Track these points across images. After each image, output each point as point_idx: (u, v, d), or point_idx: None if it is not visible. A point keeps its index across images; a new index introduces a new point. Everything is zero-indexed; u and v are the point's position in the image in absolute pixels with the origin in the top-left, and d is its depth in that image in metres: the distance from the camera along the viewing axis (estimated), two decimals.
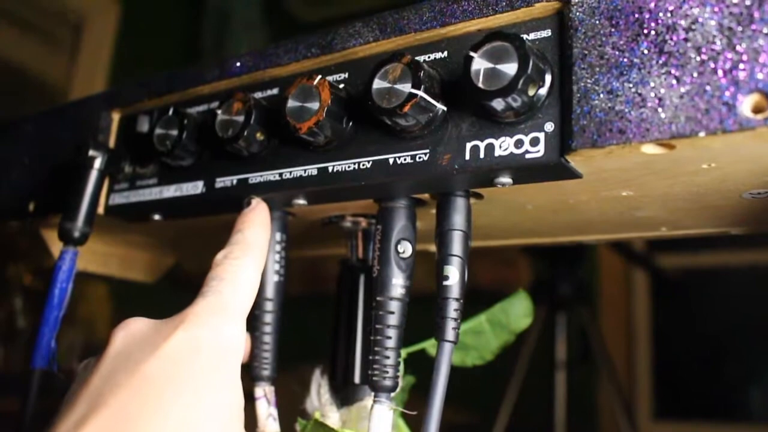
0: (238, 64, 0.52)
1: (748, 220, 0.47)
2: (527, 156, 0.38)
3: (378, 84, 0.41)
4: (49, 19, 2.58)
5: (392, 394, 0.45)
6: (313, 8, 3.00)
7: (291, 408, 0.54)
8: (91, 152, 0.55)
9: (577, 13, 0.37)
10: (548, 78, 0.38)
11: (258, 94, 0.51)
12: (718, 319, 2.76)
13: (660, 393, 2.73)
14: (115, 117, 0.61)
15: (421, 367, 0.55)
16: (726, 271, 2.78)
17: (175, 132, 0.51)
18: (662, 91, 0.34)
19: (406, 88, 0.40)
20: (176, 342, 0.38)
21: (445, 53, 0.43)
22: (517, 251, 2.17)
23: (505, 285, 2.55)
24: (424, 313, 0.51)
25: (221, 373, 0.38)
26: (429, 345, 0.56)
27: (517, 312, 0.56)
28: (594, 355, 2.04)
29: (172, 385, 0.36)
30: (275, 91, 0.50)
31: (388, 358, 0.44)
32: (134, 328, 0.40)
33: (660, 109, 0.34)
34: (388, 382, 0.44)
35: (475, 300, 0.58)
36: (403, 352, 0.55)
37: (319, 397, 0.54)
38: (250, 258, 0.45)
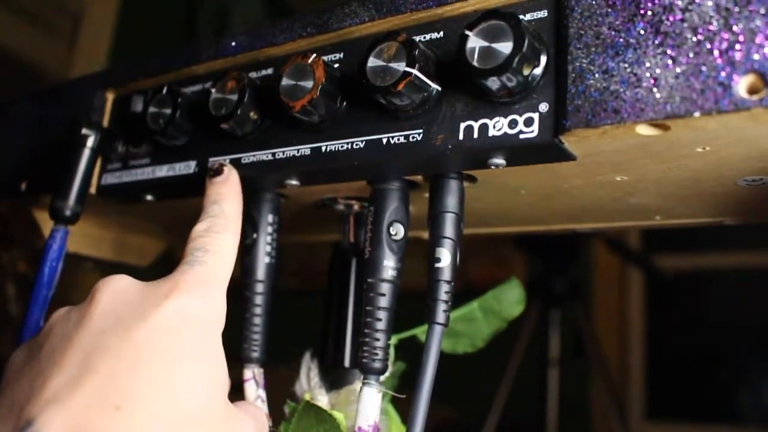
0: (234, 43, 0.51)
1: (742, 209, 0.47)
2: (521, 136, 0.38)
3: (373, 62, 0.41)
4: (48, 8, 2.57)
5: (382, 378, 0.45)
6: (312, 2, 3.00)
7: (280, 391, 0.54)
8: (84, 131, 0.55)
9: None
10: (543, 58, 0.38)
11: (253, 74, 0.50)
12: (711, 320, 2.77)
13: (653, 393, 2.74)
14: (110, 97, 0.60)
15: (412, 355, 0.54)
16: (720, 273, 2.78)
17: (168, 110, 0.51)
18: (658, 71, 0.34)
19: (401, 66, 0.40)
20: (167, 310, 0.38)
21: (441, 33, 0.43)
22: (512, 248, 2.17)
23: (499, 283, 2.55)
24: (419, 308, 0.50)
25: (209, 343, 0.39)
26: (420, 331, 0.56)
27: (510, 299, 0.56)
28: (587, 354, 2.04)
29: (162, 353, 0.36)
30: (270, 71, 0.50)
31: (378, 340, 0.44)
32: (120, 286, 0.40)
33: (655, 89, 0.34)
34: (377, 365, 0.44)
35: (469, 298, 0.58)
36: (394, 339, 0.55)
37: (309, 380, 0.53)
38: (231, 233, 0.45)
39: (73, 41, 2.63)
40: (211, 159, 0.51)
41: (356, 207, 0.55)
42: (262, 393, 0.51)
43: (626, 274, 2.79)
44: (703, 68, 0.33)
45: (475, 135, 0.39)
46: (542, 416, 2.00)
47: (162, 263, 0.83)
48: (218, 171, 0.48)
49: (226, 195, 0.47)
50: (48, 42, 2.53)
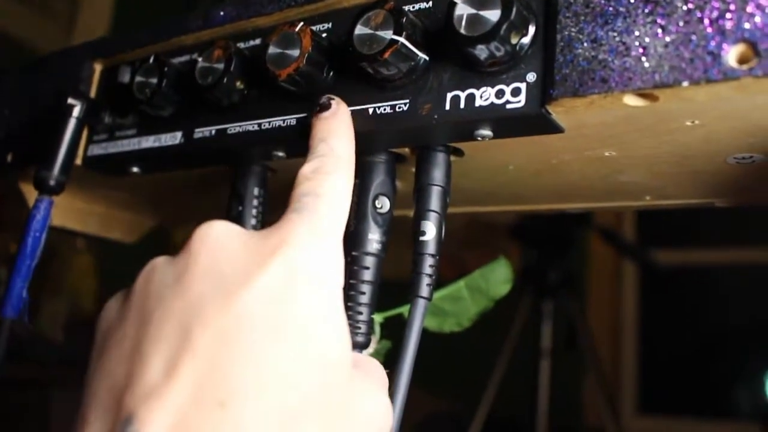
0: (222, 13, 0.51)
1: (732, 189, 0.47)
2: (508, 107, 0.37)
3: (360, 30, 0.40)
4: None
5: (364, 353, 0.45)
6: None
7: None
8: (70, 100, 0.54)
9: None
10: (532, 28, 0.37)
11: (241, 44, 0.50)
12: (705, 315, 2.77)
13: (645, 387, 2.74)
14: (97, 68, 0.60)
15: (399, 334, 0.54)
16: (715, 268, 2.79)
17: (155, 80, 0.50)
18: (647, 39, 0.33)
19: (388, 34, 0.39)
20: (275, 272, 0.32)
21: (430, 3, 0.42)
22: (507, 239, 2.17)
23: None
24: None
25: (325, 306, 0.34)
26: (406, 310, 0.55)
27: (497, 278, 0.56)
28: (579, 346, 2.04)
29: (268, 327, 0.31)
30: (258, 41, 0.49)
31: (360, 314, 0.44)
32: (221, 236, 0.34)
33: (644, 58, 0.33)
34: (359, 338, 0.44)
35: None
36: (380, 317, 0.55)
37: None
38: (342, 172, 0.39)
39: (71, 23, 2.62)
40: (198, 129, 0.50)
41: None
42: None
43: (620, 267, 2.79)
44: (693, 37, 0.32)
45: (462, 105, 0.39)
46: (533, 408, 2.01)
47: (151, 240, 0.82)
48: (325, 105, 0.42)
49: (335, 131, 0.41)
50: (45, 24, 2.53)
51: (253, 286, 0.32)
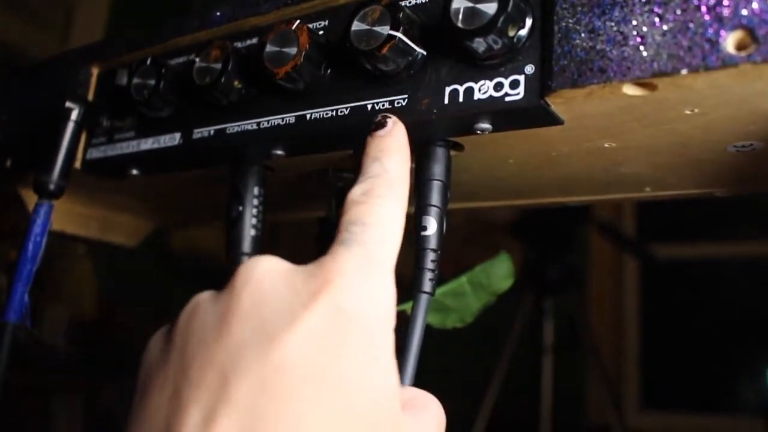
0: (219, 13, 0.51)
1: (732, 179, 0.47)
2: (507, 99, 0.37)
3: (357, 26, 0.40)
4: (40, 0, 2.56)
5: None
6: None
7: None
8: (68, 104, 0.54)
9: None
10: (529, 20, 0.37)
11: (238, 44, 0.50)
12: (707, 309, 2.77)
13: (648, 383, 2.74)
14: (95, 72, 0.60)
15: (402, 331, 0.54)
16: (717, 262, 2.78)
17: (152, 81, 0.50)
18: (644, 29, 0.33)
19: (385, 30, 0.39)
20: (319, 315, 0.30)
21: None
22: (507, 236, 2.17)
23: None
24: None
25: (373, 352, 0.31)
26: (409, 307, 0.55)
27: (499, 273, 0.56)
28: (581, 343, 2.04)
29: (310, 377, 0.29)
30: (255, 40, 0.49)
31: None
32: (265, 276, 0.33)
33: (642, 48, 0.33)
34: None
35: None
36: None
37: None
38: (395, 196, 0.36)
39: (66, 33, 2.62)
40: (196, 130, 0.50)
41: (343, 179, 0.54)
42: None
43: (622, 263, 2.79)
44: (691, 25, 0.32)
45: (461, 99, 0.39)
46: (536, 406, 2.00)
47: (151, 244, 0.82)
48: (381, 123, 0.40)
49: (390, 150, 0.38)
50: (40, 34, 2.52)
51: (294, 332, 0.30)
